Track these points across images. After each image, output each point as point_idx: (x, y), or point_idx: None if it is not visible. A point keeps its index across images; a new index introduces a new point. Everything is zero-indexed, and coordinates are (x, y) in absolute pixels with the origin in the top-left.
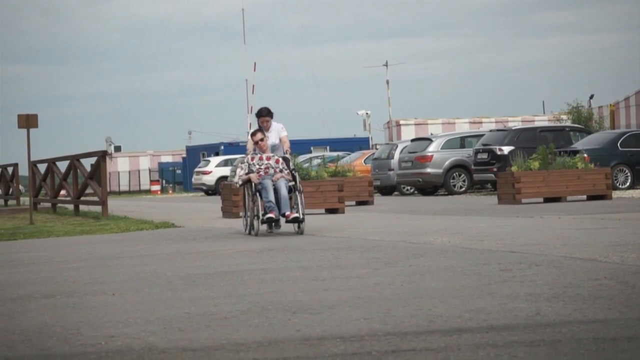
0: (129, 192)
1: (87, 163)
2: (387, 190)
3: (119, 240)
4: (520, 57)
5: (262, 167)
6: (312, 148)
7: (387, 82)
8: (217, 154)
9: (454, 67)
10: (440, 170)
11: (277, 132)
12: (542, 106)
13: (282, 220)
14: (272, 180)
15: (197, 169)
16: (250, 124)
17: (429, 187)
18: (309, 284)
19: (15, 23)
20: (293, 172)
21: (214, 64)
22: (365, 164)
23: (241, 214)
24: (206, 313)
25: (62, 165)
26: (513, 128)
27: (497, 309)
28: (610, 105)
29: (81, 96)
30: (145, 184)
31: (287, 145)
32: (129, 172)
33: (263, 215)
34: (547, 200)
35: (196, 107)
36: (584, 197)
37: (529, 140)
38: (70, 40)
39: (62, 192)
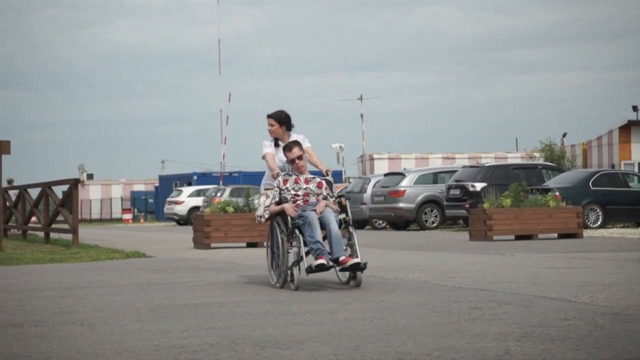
0: (101, 220)
1: (59, 190)
2: (359, 224)
3: (89, 269)
4: (494, 93)
5: (300, 193)
6: None
7: (362, 116)
8: (189, 184)
9: (428, 102)
10: (413, 205)
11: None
12: (516, 143)
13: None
14: (317, 213)
15: (169, 199)
16: (224, 155)
17: (401, 222)
18: (278, 318)
19: None
20: (340, 199)
21: (189, 93)
22: None
23: (270, 262)
24: (175, 346)
25: (34, 192)
26: (486, 165)
27: (466, 348)
28: (583, 144)
29: (55, 123)
30: (117, 213)
31: (318, 160)
32: (101, 200)
33: (301, 256)
34: (519, 237)
35: (170, 137)
36: (555, 235)
37: (501, 177)
38: (45, 66)
39: (33, 219)
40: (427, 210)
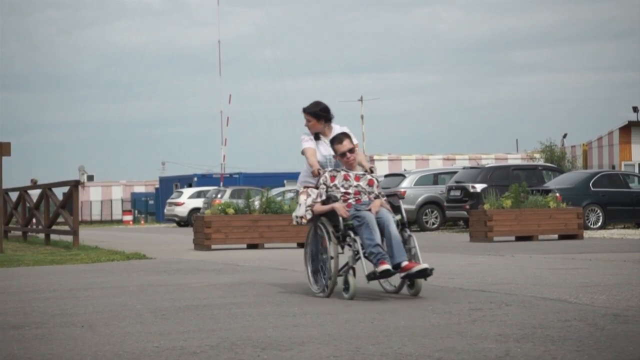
0: (101, 222)
1: (60, 191)
2: None
3: (89, 270)
4: (494, 94)
5: (351, 191)
6: (285, 181)
7: (362, 117)
8: (190, 186)
9: (428, 103)
10: (413, 207)
11: None
12: (516, 144)
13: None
14: (372, 213)
15: (169, 200)
16: (224, 156)
17: None
18: (279, 320)
19: None
20: (392, 199)
21: (189, 95)
22: None
23: (310, 269)
24: (175, 347)
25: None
26: (486, 166)
27: (466, 349)
28: (583, 144)
29: (55, 124)
30: (117, 214)
31: (363, 157)
32: (102, 201)
33: (357, 261)
34: (519, 238)
35: (170, 138)
36: (556, 236)
37: (501, 178)
38: (45, 67)
39: (33, 220)
40: (427, 211)
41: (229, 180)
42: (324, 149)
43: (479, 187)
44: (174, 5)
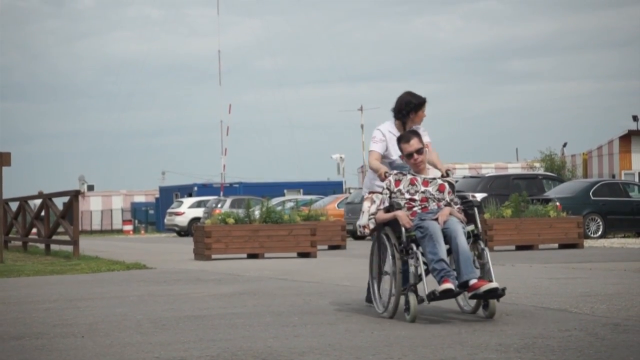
0: (101, 232)
1: (60, 201)
2: (360, 234)
3: (89, 281)
4: (494, 103)
5: (417, 198)
6: (285, 191)
7: (362, 127)
8: (190, 195)
9: (428, 113)
10: None
11: None
12: (516, 153)
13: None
14: (439, 223)
15: (169, 210)
16: (224, 166)
17: None
18: (279, 330)
19: None
20: (467, 206)
21: (189, 104)
22: (339, 208)
23: (375, 285)
24: (176, 358)
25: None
26: (486, 175)
27: (466, 359)
28: (583, 154)
29: (55, 134)
30: (117, 224)
31: (437, 158)
32: (102, 211)
33: (419, 278)
34: (519, 247)
35: (170, 148)
36: (556, 245)
37: (501, 187)
38: (44, 77)
39: (33, 230)
40: None
41: (229, 190)
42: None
43: (479, 196)
44: (173, 15)
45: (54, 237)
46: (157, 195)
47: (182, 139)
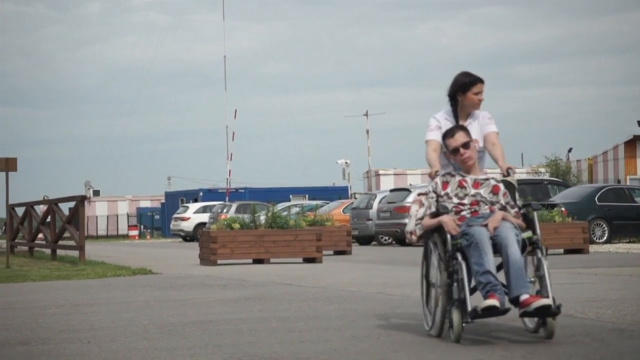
0: (107, 237)
1: (66, 207)
2: (365, 240)
3: (95, 286)
4: (499, 109)
5: (467, 201)
6: (291, 196)
7: (367, 132)
8: (195, 200)
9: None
10: None
11: (479, 128)
12: (521, 159)
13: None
14: (488, 229)
15: (175, 215)
16: (230, 171)
17: None
18: (285, 335)
19: None
20: (526, 210)
21: (195, 110)
22: (344, 213)
23: (425, 298)
24: None
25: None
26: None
27: None
28: (589, 159)
29: (60, 139)
30: (123, 229)
31: (501, 153)
32: (107, 216)
33: (464, 293)
34: None
35: (176, 153)
36: (561, 250)
37: None
38: (50, 83)
39: (40, 235)
40: None
41: (234, 195)
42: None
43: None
44: (179, 21)
45: (60, 243)
46: (163, 201)
47: (188, 144)
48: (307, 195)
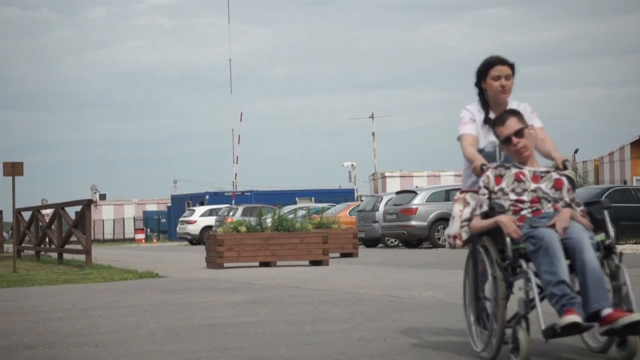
0: (114, 241)
1: (72, 211)
2: (372, 242)
3: (102, 290)
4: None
5: (526, 198)
6: (297, 199)
7: (373, 134)
8: (202, 204)
9: (439, 119)
10: (425, 223)
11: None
12: None
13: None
14: (557, 231)
15: (181, 218)
16: (236, 174)
17: (413, 240)
18: (292, 338)
19: (2, 69)
20: (593, 209)
21: (200, 113)
22: (350, 215)
23: (471, 312)
24: None
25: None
26: None
27: None
28: (595, 160)
29: (66, 143)
30: (129, 233)
31: (553, 145)
32: (114, 220)
33: (532, 305)
34: None
35: (182, 156)
36: None
37: None
38: (55, 87)
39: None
40: (439, 227)
41: (240, 198)
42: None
43: None
44: (184, 24)
45: (67, 247)
46: (169, 204)
47: (194, 147)
48: (313, 198)
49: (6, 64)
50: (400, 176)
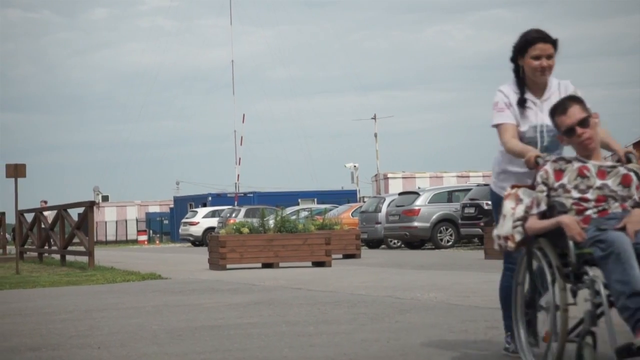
0: (116, 242)
1: (75, 212)
2: (374, 243)
3: (105, 291)
4: None
5: (591, 196)
6: (299, 200)
7: (375, 135)
8: (204, 205)
9: (441, 121)
10: (428, 224)
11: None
12: None
13: None
14: (627, 233)
15: (184, 220)
16: (238, 175)
17: (416, 241)
18: (295, 340)
19: (4, 71)
20: None
21: (203, 114)
22: (353, 216)
23: (521, 324)
24: None
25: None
26: None
27: None
28: None
29: (69, 145)
30: (132, 234)
31: (611, 137)
32: (116, 221)
33: (598, 316)
34: None
35: (184, 158)
36: None
37: None
38: (57, 89)
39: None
40: (442, 228)
41: (243, 199)
42: (534, 115)
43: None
44: (186, 26)
45: (69, 248)
46: (172, 206)
47: (196, 149)
48: (315, 199)
49: (8, 65)
50: (403, 177)
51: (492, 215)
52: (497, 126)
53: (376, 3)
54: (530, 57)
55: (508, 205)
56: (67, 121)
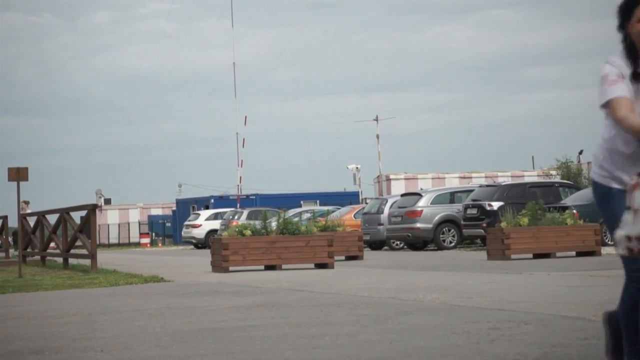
0: (119, 245)
1: (77, 215)
2: (377, 244)
3: (107, 294)
4: (509, 112)
5: None
6: (302, 202)
7: (377, 137)
8: (207, 207)
9: (443, 122)
10: (430, 225)
11: None
12: (532, 161)
13: None
14: None
15: (187, 222)
16: (240, 177)
17: (418, 242)
18: (297, 342)
19: (5, 74)
20: None
21: (205, 117)
22: (355, 218)
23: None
24: None
25: (52, 218)
26: (502, 184)
27: None
28: None
29: (71, 148)
30: (134, 237)
31: None
32: (119, 224)
33: None
34: (537, 256)
35: (186, 160)
36: (574, 253)
37: (518, 195)
38: (59, 92)
39: (52, 244)
40: (444, 230)
41: (245, 201)
42: None
43: (495, 205)
44: (187, 28)
45: (72, 251)
46: (174, 208)
47: (198, 151)
48: (318, 201)
49: (9, 69)
50: (405, 178)
51: (493, 217)
52: (612, 102)
53: (377, 4)
54: (637, 19)
55: (638, 197)
56: (69, 124)
